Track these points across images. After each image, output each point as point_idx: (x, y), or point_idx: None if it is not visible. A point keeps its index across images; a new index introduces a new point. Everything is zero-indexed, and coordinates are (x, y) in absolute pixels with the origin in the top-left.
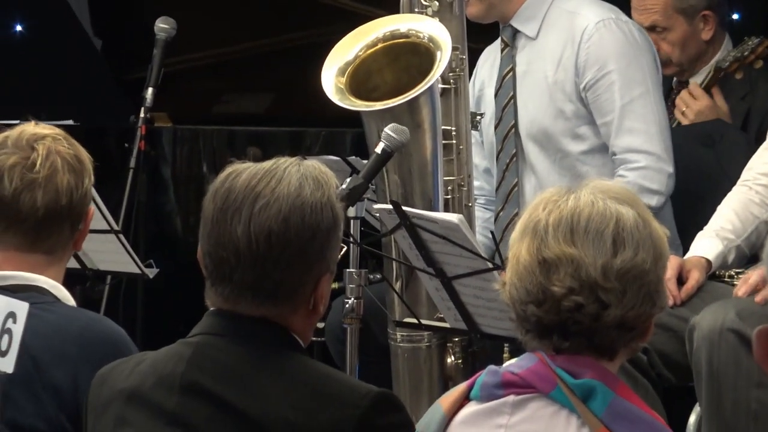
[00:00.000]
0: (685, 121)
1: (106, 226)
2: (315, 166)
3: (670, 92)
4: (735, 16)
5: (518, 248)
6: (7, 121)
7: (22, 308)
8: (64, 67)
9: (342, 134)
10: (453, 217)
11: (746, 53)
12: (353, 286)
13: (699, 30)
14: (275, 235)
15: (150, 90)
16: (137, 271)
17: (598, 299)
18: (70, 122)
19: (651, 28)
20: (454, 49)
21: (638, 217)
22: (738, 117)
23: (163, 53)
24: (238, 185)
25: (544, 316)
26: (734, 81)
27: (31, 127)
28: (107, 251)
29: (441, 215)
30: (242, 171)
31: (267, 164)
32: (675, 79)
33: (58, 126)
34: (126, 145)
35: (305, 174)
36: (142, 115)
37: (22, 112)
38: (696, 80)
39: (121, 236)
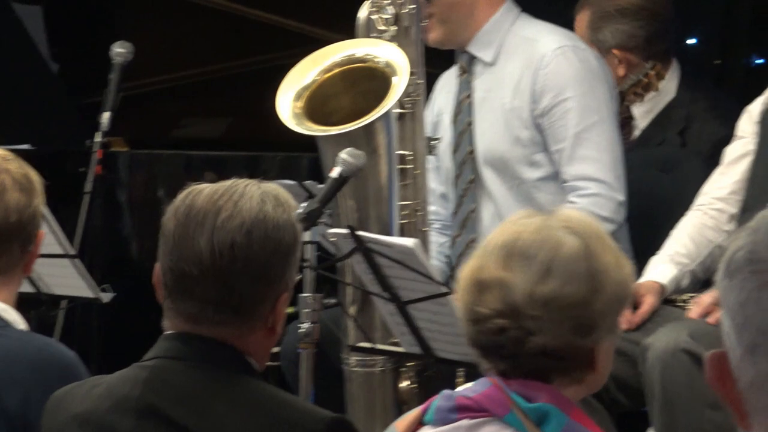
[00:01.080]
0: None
1: (61, 251)
2: (274, 186)
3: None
4: (692, 41)
5: (465, 266)
6: None
7: None
8: (20, 91)
9: (298, 159)
10: (408, 242)
11: (641, 77)
12: (308, 310)
13: (614, 65)
14: (239, 248)
15: (106, 114)
16: (93, 295)
17: (521, 325)
18: (27, 146)
19: None
20: (410, 74)
21: (583, 249)
22: (676, 125)
23: (119, 77)
24: (200, 201)
25: (477, 337)
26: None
27: None
28: (62, 275)
29: (396, 240)
30: (203, 189)
31: (227, 183)
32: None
33: (14, 150)
34: (82, 169)
35: (266, 192)
36: (98, 139)
37: None
38: (637, 110)
39: (77, 261)
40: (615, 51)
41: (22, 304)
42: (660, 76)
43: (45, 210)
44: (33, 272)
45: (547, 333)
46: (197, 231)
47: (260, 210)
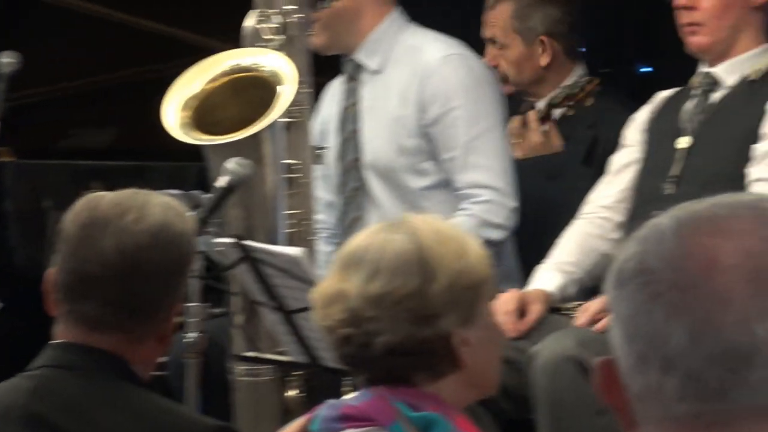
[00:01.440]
0: (517, 153)
1: None
2: (173, 200)
3: (516, 113)
4: (648, 69)
5: (317, 287)
6: None
7: None
8: None
9: (185, 168)
10: (295, 251)
11: (576, 90)
12: (195, 320)
13: (536, 54)
14: (144, 249)
15: None
16: None
17: (363, 329)
18: None
19: (492, 41)
20: (297, 83)
21: (412, 243)
22: (583, 145)
23: (6, 87)
24: (104, 205)
25: (335, 350)
26: (583, 108)
27: None
28: None
29: (283, 249)
30: (104, 195)
31: (128, 191)
32: (524, 104)
33: None
34: None
35: (167, 203)
36: None
37: None
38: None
39: None
40: (543, 38)
41: None
42: (592, 92)
43: None
44: None
45: (387, 331)
46: (102, 232)
47: (164, 217)
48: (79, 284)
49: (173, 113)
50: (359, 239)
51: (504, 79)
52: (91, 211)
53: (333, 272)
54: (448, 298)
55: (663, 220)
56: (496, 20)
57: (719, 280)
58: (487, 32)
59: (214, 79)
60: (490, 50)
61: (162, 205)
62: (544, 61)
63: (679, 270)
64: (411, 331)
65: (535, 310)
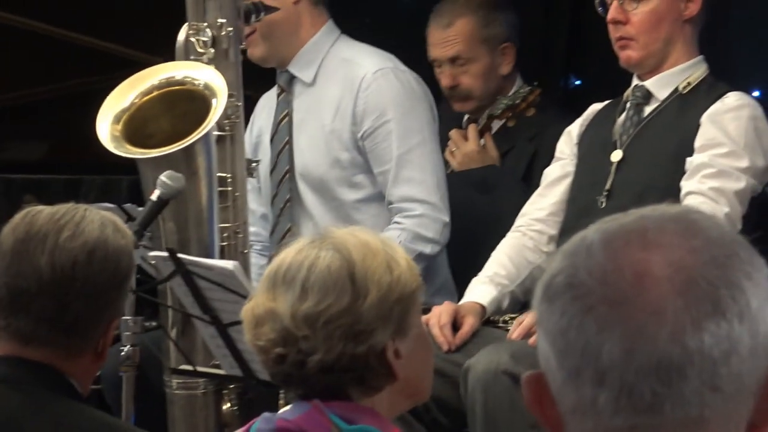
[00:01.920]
0: (453, 162)
1: None
2: (111, 215)
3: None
4: (577, 82)
5: (246, 305)
6: None
7: None
8: None
9: (118, 181)
10: (228, 264)
11: (518, 101)
12: (129, 333)
13: (499, 63)
14: (80, 266)
15: None
16: None
17: (298, 348)
18: None
19: (453, 60)
20: (229, 96)
21: (341, 260)
22: (524, 158)
23: None
24: (41, 220)
25: (268, 368)
26: (524, 120)
27: None
28: None
29: (217, 262)
30: (42, 209)
31: (65, 206)
32: (466, 117)
33: None
34: None
35: (105, 218)
36: None
37: None
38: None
39: None
40: (506, 44)
41: None
42: (534, 103)
43: None
44: None
45: (321, 349)
46: (38, 248)
47: (102, 233)
48: (14, 299)
49: (106, 126)
50: (287, 256)
51: (466, 97)
52: (27, 226)
53: (262, 290)
54: (380, 312)
55: (590, 233)
56: (457, 36)
57: (651, 293)
58: (446, 52)
59: (146, 93)
60: (447, 70)
61: (99, 221)
62: (506, 69)
63: (610, 284)
64: (345, 348)
65: (469, 324)
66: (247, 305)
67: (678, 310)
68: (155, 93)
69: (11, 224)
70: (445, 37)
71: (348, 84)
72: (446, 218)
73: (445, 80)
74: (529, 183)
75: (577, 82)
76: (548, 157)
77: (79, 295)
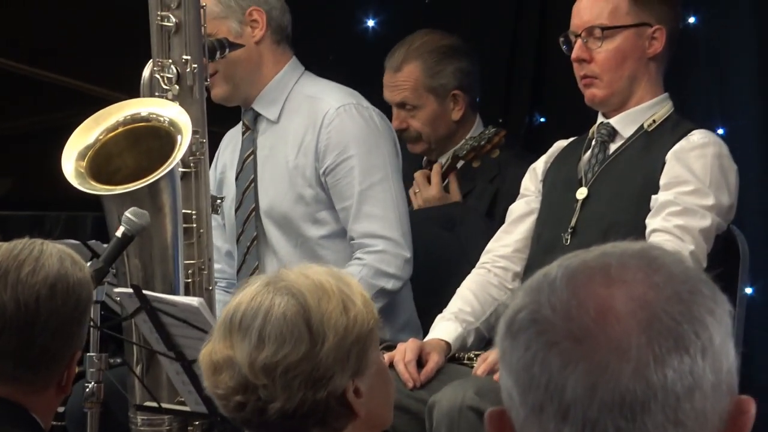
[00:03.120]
0: (414, 203)
1: None
2: (68, 249)
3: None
4: (542, 119)
5: (203, 350)
6: None
7: None
8: None
9: (83, 218)
10: (193, 301)
11: (483, 142)
12: (93, 370)
13: (449, 109)
14: (43, 300)
15: None
16: None
17: (257, 396)
18: None
19: (401, 105)
20: (194, 132)
21: (296, 306)
22: (486, 199)
23: None
24: None
25: (229, 414)
26: (488, 160)
27: None
28: None
29: (181, 299)
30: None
31: (22, 241)
32: (425, 158)
33: None
34: None
35: (63, 251)
36: None
37: None
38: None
39: None
40: (456, 92)
41: None
42: (499, 144)
43: None
44: None
45: (281, 398)
46: (0, 284)
47: (62, 266)
48: None
49: (70, 163)
50: (242, 301)
51: (416, 139)
52: None
53: (218, 337)
54: (338, 355)
55: (553, 269)
56: (405, 82)
57: (614, 329)
58: (394, 96)
59: (111, 129)
60: (398, 113)
61: (57, 255)
62: (456, 115)
63: (574, 319)
64: (305, 395)
65: (434, 360)
66: (204, 350)
67: (641, 345)
68: (120, 129)
69: None
70: (394, 82)
71: (311, 120)
72: (408, 254)
73: (394, 122)
74: (492, 222)
75: (542, 120)
76: (509, 197)
77: (44, 330)
